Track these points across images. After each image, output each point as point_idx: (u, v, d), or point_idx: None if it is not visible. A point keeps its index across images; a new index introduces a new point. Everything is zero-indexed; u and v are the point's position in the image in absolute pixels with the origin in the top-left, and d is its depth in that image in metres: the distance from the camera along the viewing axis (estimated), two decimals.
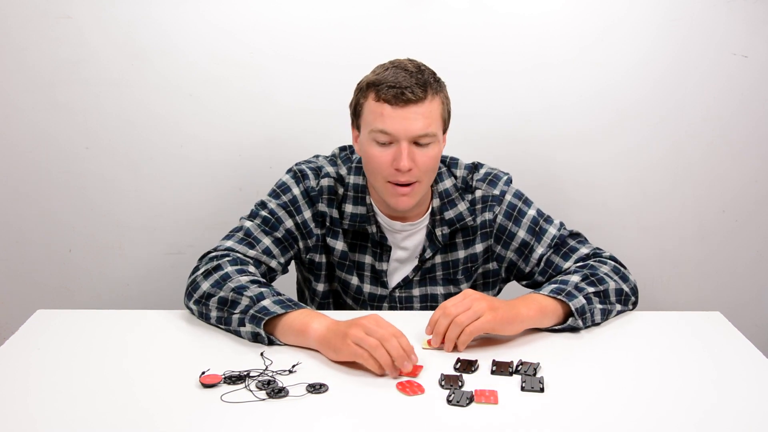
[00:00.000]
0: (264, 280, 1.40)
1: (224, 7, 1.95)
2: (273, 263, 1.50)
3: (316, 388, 1.14)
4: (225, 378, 1.16)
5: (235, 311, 1.31)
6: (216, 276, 1.37)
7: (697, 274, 2.21)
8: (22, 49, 1.96)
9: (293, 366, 1.21)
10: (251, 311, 1.30)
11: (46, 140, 2.04)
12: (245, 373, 1.18)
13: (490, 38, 2.00)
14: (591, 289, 1.39)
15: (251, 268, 1.43)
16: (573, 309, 1.34)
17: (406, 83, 1.38)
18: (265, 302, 1.30)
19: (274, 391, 1.13)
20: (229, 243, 1.49)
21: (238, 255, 1.46)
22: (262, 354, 1.25)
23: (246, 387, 1.14)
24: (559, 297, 1.36)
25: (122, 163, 2.06)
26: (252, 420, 1.07)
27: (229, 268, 1.39)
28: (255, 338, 1.30)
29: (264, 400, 1.11)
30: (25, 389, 1.15)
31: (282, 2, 1.96)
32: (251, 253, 1.48)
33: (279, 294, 1.34)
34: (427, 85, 1.40)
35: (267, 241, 1.51)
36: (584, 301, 1.36)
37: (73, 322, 1.41)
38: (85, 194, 2.08)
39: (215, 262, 1.41)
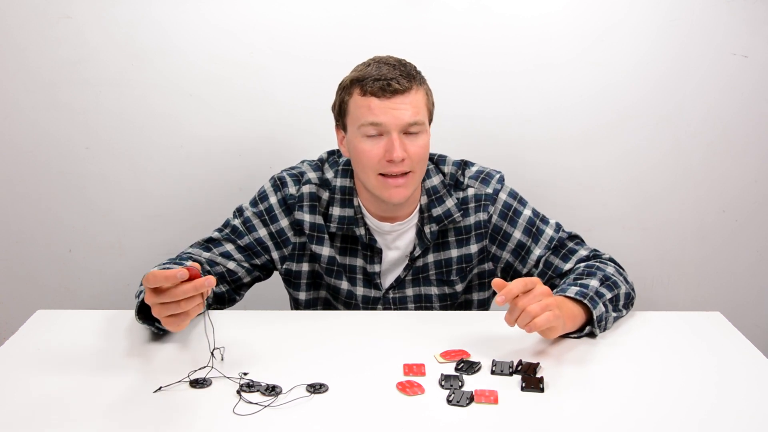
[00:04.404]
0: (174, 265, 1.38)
1: (224, 7, 1.96)
2: (231, 265, 1.52)
3: (316, 388, 1.15)
4: (191, 382, 1.16)
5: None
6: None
7: (697, 274, 2.21)
8: (22, 49, 1.97)
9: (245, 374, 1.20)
10: (137, 301, 1.31)
11: (47, 140, 2.04)
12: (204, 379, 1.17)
13: (489, 39, 2.00)
14: (608, 295, 1.37)
15: (188, 263, 1.43)
16: (594, 317, 1.32)
17: (391, 75, 1.39)
18: (141, 287, 1.32)
19: (267, 389, 1.13)
20: (189, 249, 1.53)
21: (191, 255, 1.50)
22: (213, 351, 1.22)
23: (239, 393, 1.14)
24: (584, 301, 1.33)
25: (122, 163, 2.06)
26: (252, 420, 1.07)
27: (163, 263, 1.44)
28: (151, 329, 1.32)
29: (267, 405, 1.11)
30: (25, 389, 1.15)
31: (282, 2, 1.96)
32: (206, 255, 1.51)
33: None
34: (411, 76, 1.41)
35: (229, 246, 1.53)
36: (603, 308, 1.35)
37: (73, 322, 1.41)
38: (85, 194, 2.09)
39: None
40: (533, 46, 2.00)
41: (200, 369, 1.19)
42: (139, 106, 2.02)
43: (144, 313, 1.30)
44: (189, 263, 1.15)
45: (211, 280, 1.12)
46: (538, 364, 1.22)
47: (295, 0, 1.96)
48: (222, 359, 1.23)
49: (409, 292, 1.57)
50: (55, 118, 2.02)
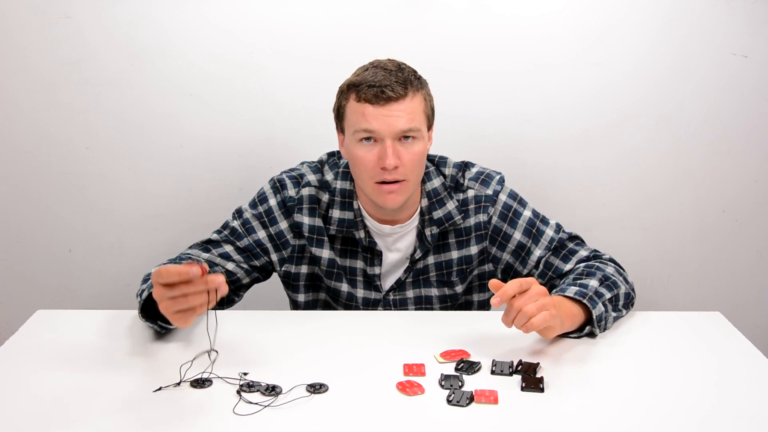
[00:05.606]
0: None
1: (224, 7, 1.96)
2: (230, 266, 1.51)
3: (316, 388, 1.15)
4: (192, 382, 1.17)
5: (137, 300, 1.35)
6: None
7: (697, 274, 2.21)
8: (22, 49, 1.97)
9: (244, 374, 1.20)
10: (139, 300, 1.33)
11: (47, 140, 2.04)
12: (205, 377, 1.18)
13: (489, 39, 2.00)
14: (608, 295, 1.37)
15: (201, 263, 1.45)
16: (594, 316, 1.32)
17: (386, 82, 1.38)
18: (144, 286, 1.34)
19: (267, 389, 1.13)
20: (188, 250, 1.53)
21: (190, 256, 1.50)
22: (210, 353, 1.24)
23: (239, 393, 1.14)
24: (583, 300, 1.33)
25: (122, 163, 2.06)
26: (252, 420, 1.07)
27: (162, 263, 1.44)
28: (154, 327, 1.33)
29: (267, 405, 1.11)
30: (26, 389, 1.15)
31: (282, 2, 1.96)
32: (205, 255, 1.51)
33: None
34: (408, 82, 1.40)
35: (228, 248, 1.53)
36: (603, 308, 1.35)
37: (73, 322, 1.41)
38: (85, 194, 2.09)
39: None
40: (533, 46, 2.00)
41: (199, 370, 1.19)
42: (139, 106, 2.02)
43: (146, 311, 1.30)
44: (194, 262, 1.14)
45: (222, 278, 1.12)
46: (538, 364, 1.22)
47: (295, 0, 1.96)
48: (213, 362, 1.22)
49: (410, 293, 1.57)
50: (55, 118, 2.02)
